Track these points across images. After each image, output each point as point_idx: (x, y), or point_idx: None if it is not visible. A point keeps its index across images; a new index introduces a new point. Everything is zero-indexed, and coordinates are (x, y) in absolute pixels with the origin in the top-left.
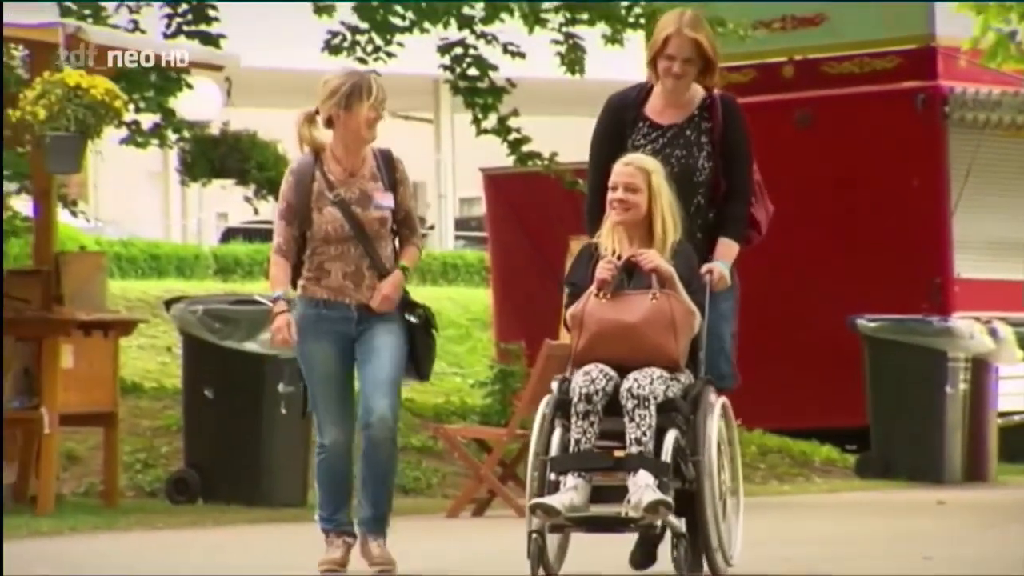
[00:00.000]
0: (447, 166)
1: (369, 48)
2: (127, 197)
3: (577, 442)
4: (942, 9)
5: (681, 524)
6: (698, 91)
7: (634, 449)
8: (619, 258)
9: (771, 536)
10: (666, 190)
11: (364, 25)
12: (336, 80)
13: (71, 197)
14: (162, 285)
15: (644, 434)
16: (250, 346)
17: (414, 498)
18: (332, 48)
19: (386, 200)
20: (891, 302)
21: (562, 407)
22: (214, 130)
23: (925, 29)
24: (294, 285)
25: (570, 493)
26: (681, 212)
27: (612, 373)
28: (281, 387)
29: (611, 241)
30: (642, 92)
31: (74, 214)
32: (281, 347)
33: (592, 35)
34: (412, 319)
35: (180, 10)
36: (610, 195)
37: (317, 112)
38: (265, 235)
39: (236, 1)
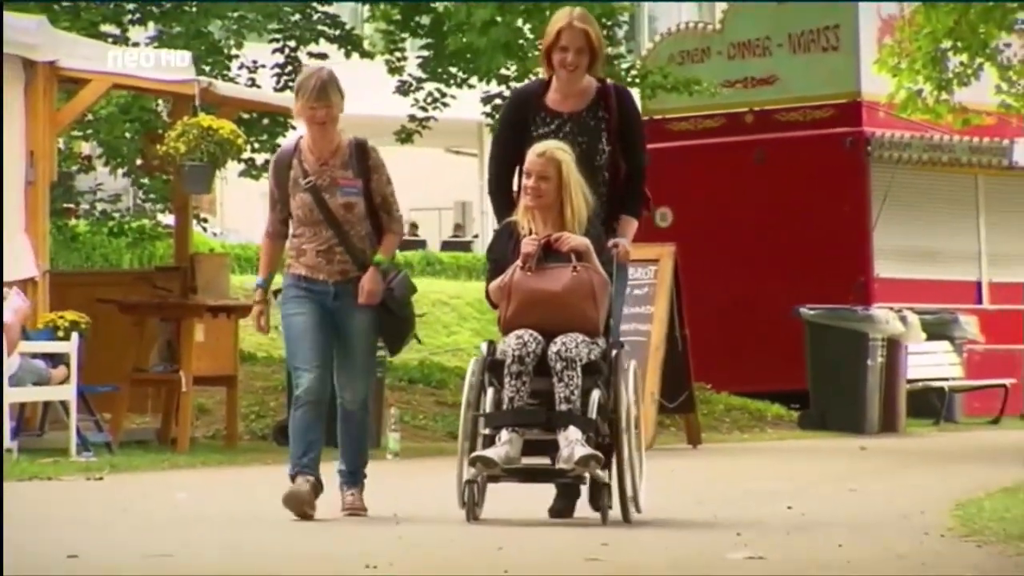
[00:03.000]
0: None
1: (429, 99)
2: (245, 211)
3: (511, 400)
4: (866, 71)
5: (606, 476)
6: (592, 82)
7: (564, 407)
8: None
9: (735, 473)
10: (575, 177)
11: (425, 76)
12: (300, 75)
13: (202, 213)
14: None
15: (572, 393)
16: None
17: None
18: (401, 91)
19: (352, 187)
20: (826, 296)
21: (492, 368)
22: None
23: (853, 87)
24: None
25: (505, 447)
26: (591, 194)
27: (540, 338)
28: None
29: (527, 221)
30: (542, 86)
31: (204, 229)
32: (259, 331)
33: None
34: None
35: (287, 69)
36: (524, 181)
37: None
38: None
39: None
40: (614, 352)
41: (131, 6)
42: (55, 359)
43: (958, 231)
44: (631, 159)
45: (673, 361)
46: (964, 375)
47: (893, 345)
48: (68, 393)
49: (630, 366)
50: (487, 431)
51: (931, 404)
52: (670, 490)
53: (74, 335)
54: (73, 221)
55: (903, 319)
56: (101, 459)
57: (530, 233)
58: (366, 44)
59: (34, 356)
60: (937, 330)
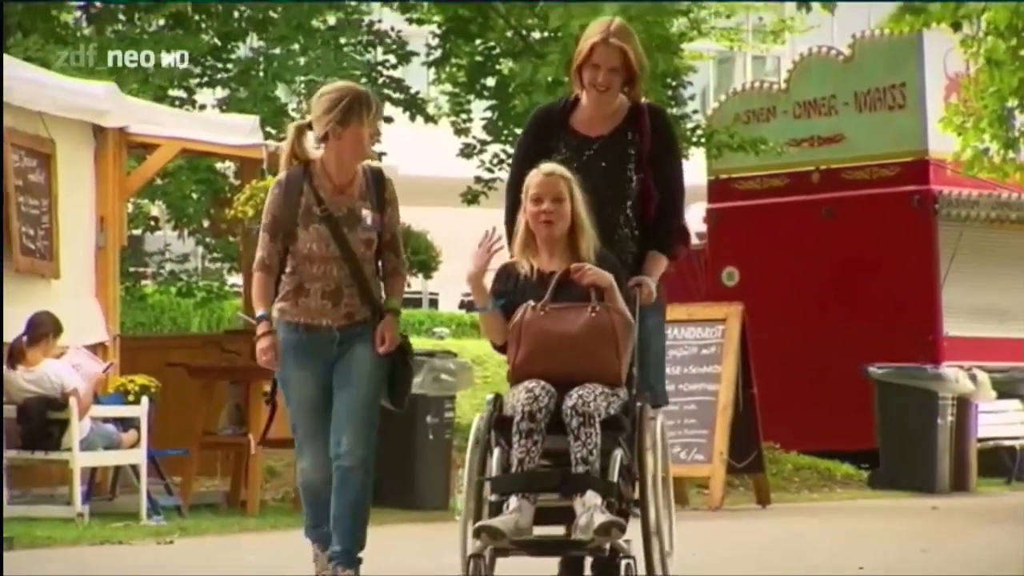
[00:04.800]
0: None
1: (495, 160)
2: None
3: (521, 462)
4: (933, 129)
5: (630, 547)
6: (624, 101)
7: (580, 468)
8: (539, 274)
9: (805, 534)
10: (580, 196)
11: (489, 138)
12: (333, 94)
13: None
14: None
15: (591, 453)
16: None
17: None
18: (464, 154)
19: (374, 222)
20: (894, 354)
21: (499, 425)
22: None
23: (919, 146)
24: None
25: (514, 515)
26: (592, 218)
27: (552, 390)
28: (428, 418)
29: (527, 260)
30: (568, 104)
31: None
32: (267, 366)
33: None
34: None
35: None
36: (533, 207)
37: (310, 126)
38: (415, 303)
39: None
40: (638, 404)
41: (197, 70)
42: (125, 423)
43: None
44: (664, 187)
45: (741, 420)
46: None
47: (963, 404)
48: (138, 457)
49: (657, 419)
50: (494, 497)
51: (1002, 463)
52: (740, 551)
53: (144, 399)
54: (144, 282)
55: (973, 377)
56: (171, 523)
57: (532, 271)
58: (431, 107)
59: (105, 420)
60: (1007, 388)
